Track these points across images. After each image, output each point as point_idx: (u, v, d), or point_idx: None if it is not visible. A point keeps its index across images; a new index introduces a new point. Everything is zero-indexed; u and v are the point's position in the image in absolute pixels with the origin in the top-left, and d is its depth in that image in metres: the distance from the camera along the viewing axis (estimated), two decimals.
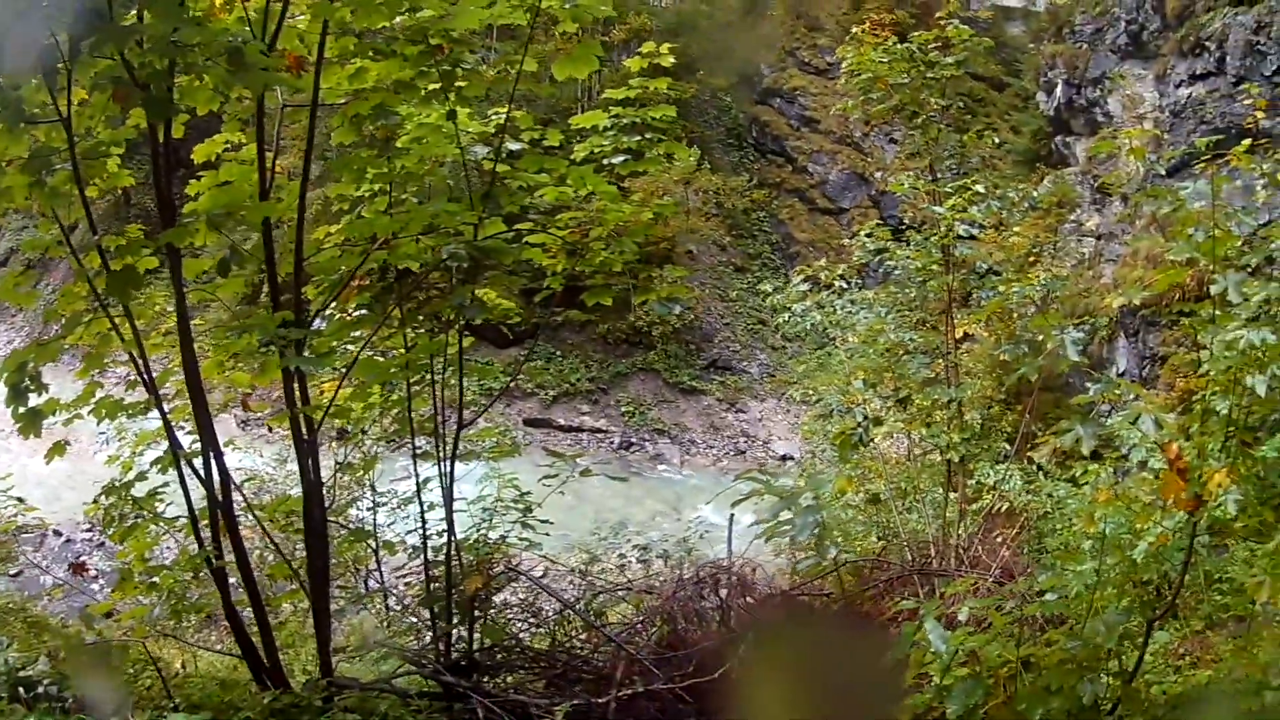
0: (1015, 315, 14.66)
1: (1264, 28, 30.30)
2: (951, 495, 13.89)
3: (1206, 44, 31.80)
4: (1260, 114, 20.86)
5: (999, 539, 13.50)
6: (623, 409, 44.49)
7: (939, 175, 15.21)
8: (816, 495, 7.07)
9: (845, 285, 16.25)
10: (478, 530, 10.36)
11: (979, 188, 13.77)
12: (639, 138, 8.79)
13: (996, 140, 19.66)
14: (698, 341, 47.52)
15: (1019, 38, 52.50)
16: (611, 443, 42.80)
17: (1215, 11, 32.19)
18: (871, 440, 13.42)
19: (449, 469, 9.09)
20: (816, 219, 52.77)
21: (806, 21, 57.69)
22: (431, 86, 7.99)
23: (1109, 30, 37.33)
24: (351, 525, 12.90)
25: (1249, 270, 7.30)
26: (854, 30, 16.16)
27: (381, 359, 9.17)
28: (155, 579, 9.15)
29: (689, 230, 47.48)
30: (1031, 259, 18.51)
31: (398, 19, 7.60)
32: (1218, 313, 6.98)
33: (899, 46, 14.76)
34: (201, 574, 9.05)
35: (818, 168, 53.60)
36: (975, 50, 15.32)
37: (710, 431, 44.49)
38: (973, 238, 14.95)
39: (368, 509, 14.03)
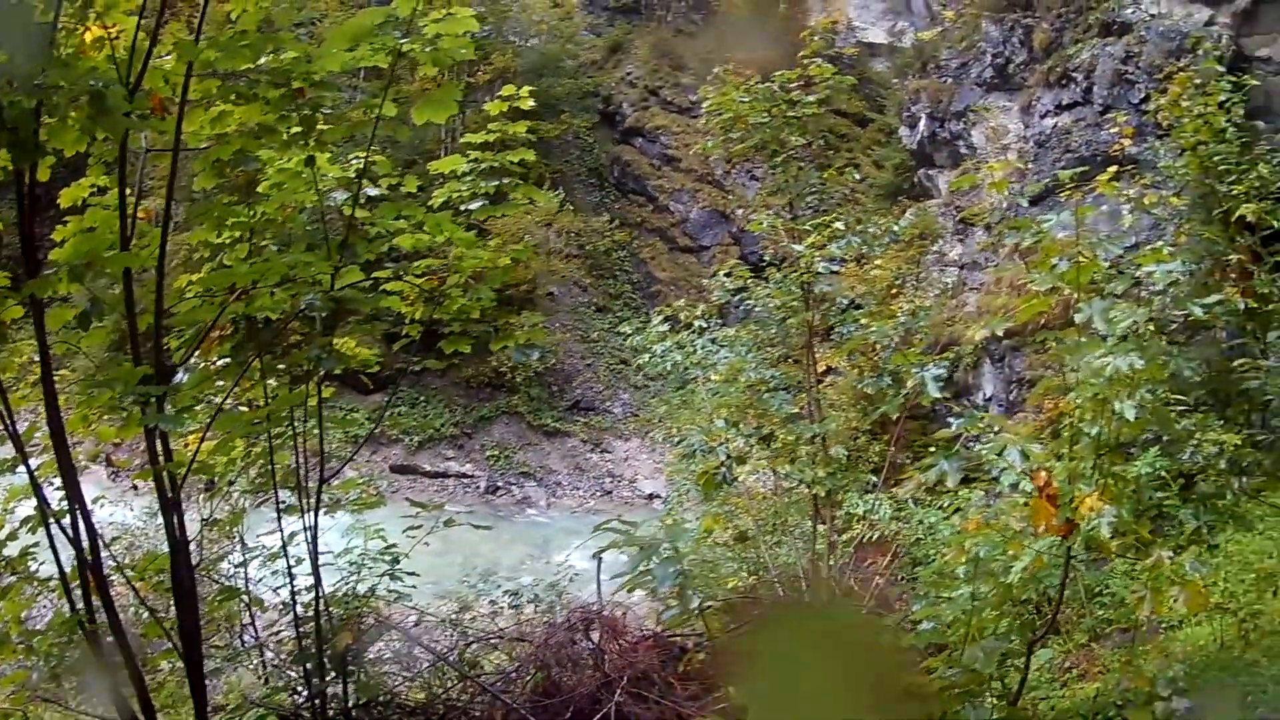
0: (878, 347, 14.75)
1: (1133, 57, 30.90)
2: (821, 528, 13.93)
3: (1074, 74, 32.34)
4: (1127, 141, 21.27)
5: (872, 567, 13.57)
6: (488, 453, 44.17)
7: (799, 213, 15.28)
8: (675, 546, 7.01)
9: (705, 325, 16.32)
10: (346, 584, 10.24)
11: (839, 224, 13.84)
12: (497, 183, 8.77)
13: (858, 176, 19.76)
14: (560, 383, 47.45)
15: (884, 74, 52.73)
16: (478, 487, 42.44)
17: (1084, 42, 32.82)
18: (735, 479, 13.42)
19: (313, 522, 8.97)
20: (678, 257, 52.74)
21: (671, 60, 57.86)
22: (293, 130, 7.90)
23: (975, 64, 37.62)
24: (222, 581, 12.69)
25: (1117, 295, 7.39)
26: (716, 70, 16.19)
27: (245, 410, 9.02)
28: (33, 642, 8.92)
29: (550, 271, 47.44)
30: (894, 291, 18.71)
31: (262, 60, 7.50)
32: (1083, 339, 7.05)
33: (760, 86, 14.83)
34: (78, 635, 8.84)
35: (679, 206, 53.61)
36: (838, 88, 15.43)
37: (576, 473, 44.35)
38: (834, 273, 15.00)
39: (238, 564, 13.83)
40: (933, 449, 7.63)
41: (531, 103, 9.10)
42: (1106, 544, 7.10)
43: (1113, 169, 14.19)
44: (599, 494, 43.06)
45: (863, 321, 14.54)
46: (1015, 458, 6.60)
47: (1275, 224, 14.46)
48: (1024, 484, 8.12)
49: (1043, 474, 6.77)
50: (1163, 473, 11.93)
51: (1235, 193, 14.50)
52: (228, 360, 8.73)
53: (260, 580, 12.45)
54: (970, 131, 36.88)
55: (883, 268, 17.70)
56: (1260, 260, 15.09)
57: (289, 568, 9.34)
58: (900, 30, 52.83)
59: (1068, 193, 15.67)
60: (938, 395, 7.62)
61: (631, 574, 6.95)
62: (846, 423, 16.87)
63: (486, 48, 50.66)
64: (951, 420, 7.94)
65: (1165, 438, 10.62)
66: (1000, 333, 8.39)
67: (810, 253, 13.30)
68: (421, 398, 44.60)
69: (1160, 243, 16.27)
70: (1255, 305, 13.57)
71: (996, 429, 7.91)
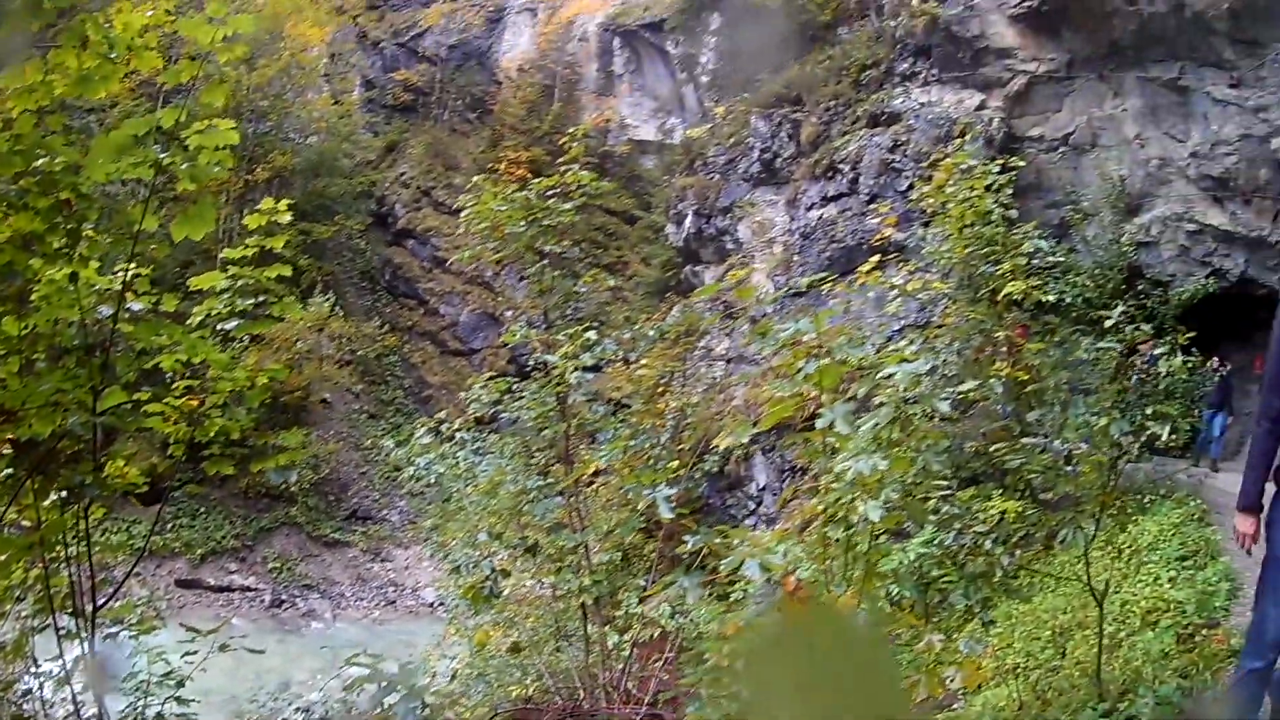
0: (650, 445, 14.72)
1: (900, 145, 31.68)
2: (599, 630, 13.85)
3: (840, 166, 33.06)
4: (890, 230, 21.70)
5: (655, 664, 13.53)
6: (270, 565, 43.38)
7: (554, 321, 15.23)
8: (412, 685, 6.92)
9: (465, 437, 16.22)
10: (134, 709, 9.97)
11: (591, 334, 13.80)
12: (253, 300, 8.65)
13: (611, 283, 19.79)
14: (336, 492, 46.96)
15: (654, 171, 53.36)
16: (263, 601, 41.55)
17: (851, 134, 33.56)
18: (503, 592, 13.30)
19: (91, 647, 8.71)
20: (449, 361, 52.81)
21: (445, 160, 57.91)
22: (59, 244, 7.69)
23: (742, 159, 38.47)
24: (15, 704, 12.27)
25: (866, 394, 7.45)
26: (475, 179, 16.11)
27: (21, 531, 8.75)
28: None
29: (323, 378, 46.98)
30: (661, 389, 18.75)
31: (37, 163, 7.30)
32: (830, 441, 7.11)
33: (518, 194, 14.80)
34: None
35: (449, 309, 53.80)
36: (594, 195, 15.45)
37: (359, 583, 43.90)
38: (598, 369, 14.98)
39: (24, 691, 13.40)
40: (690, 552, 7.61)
41: (289, 217, 8.99)
42: None
43: (875, 258, 14.40)
44: (383, 604, 42.73)
45: (632, 421, 14.53)
46: (754, 572, 6.59)
47: (1041, 298, 14.83)
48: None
49: (791, 579, 6.77)
50: (937, 551, 12.12)
51: (1000, 272, 14.87)
52: None
53: (53, 706, 12.11)
54: (737, 226, 37.45)
55: (649, 366, 17.74)
56: (1029, 333, 15.47)
57: (74, 696, 9.08)
58: (670, 127, 53.51)
59: (829, 285, 15.89)
60: (670, 515, 7.61)
61: (372, 712, 6.85)
62: (618, 522, 16.85)
63: (266, 145, 50.26)
64: (731, 511, 7.94)
65: (943, 513, 10.74)
66: (745, 440, 8.36)
67: (564, 363, 13.27)
68: (202, 509, 43.67)
69: (929, 323, 16.71)
70: (1026, 378, 13.88)
71: (739, 541, 7.89)
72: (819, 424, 6.95)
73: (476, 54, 62.59)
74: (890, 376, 7.20)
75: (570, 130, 16.60)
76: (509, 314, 46.61)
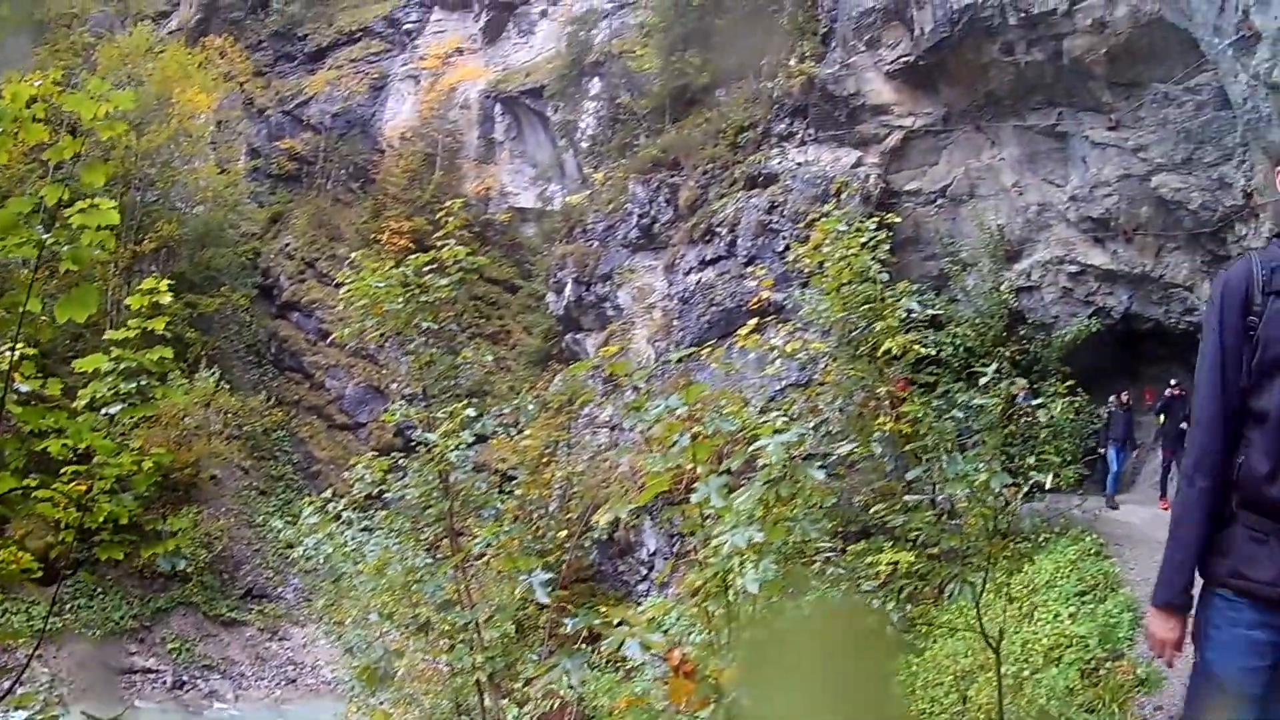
0: (538, 515, 14.68)
1: (778, 206, 31.79)
2: (497, 705, 13.73)
3: (718, 229, 33.13)
4: (766, 293, 21.75)
5: None
6: (169, 645, 42.38)
7: (434, 398, 15.11)
8: None
9: (351, 516, 16.02)
10: None
11: (470, 411, 13.68)
12: (136, 383, 8.54)
13: (490, 358, 19.71)
14: (230, 570, 46.11)
15: (534, 239, 53.25)
16: (165, 682, 40.60)
17: (729, 196, 33.68)
18: (396, 673, 13.16)
19: None
20: (336, 435, 52.57)
21: (328, 231, 57.54)
22: None
23: (621, 225, 38.51)
24: None
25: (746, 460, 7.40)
26: (354, 255, 15.99)
27: None
28: None
29: (212, 454, 46.20)
30: (546, 459, 18.69)
31: None
32: (708, 512, 7.05)
33: (395, 271, 14.68)
34: None
35: (334, 383, 53.58)
36: (470, 271, 15.35)
37: (258, 663, 43.08)
38: (484, 440, 14.89)
39: None
40: (604, 604, 7.58)
41: (169, 298, 8.88)
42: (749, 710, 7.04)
43: (753, 322, 14.42)
44: (284, 683, 42.13)
45: (519, 493, 14.48)
46: (634, 651, 6.53)
47: (921, 351, 14.92)
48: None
49: (675, 653, 6.71)
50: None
51: (879, 328, 14.97)
52: None
53: None
54: (617, 293, 37.37)
55: (534, 436, 17.68)
56: (911, 387, 15.54)
57: None
58: (550, 195, 53.52)
59: (708, 350, 15.86)
60: (546, 600, 7.56)
61: None
62: (511, 597, 16.69)
63: (153, 214, 49.67)
64: (624, 577, 7.88)
65: (829, 574, 10.74)
66: (624, 515, 8.32)
67: (443, 442, 13.18)
68: (99, 590, 42.73)
69: (812, 381, 16.74)
70: (909, 431, 13.95)
71: (617, 621, 7.82)
72: (693, 498, 6.86)
73: (360, 122, 62.65)
74: (762, 448, 7.12)
75: (447, 203, 16.55)
76: (394, 387, 46.27)
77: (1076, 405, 23.94)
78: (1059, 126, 29.99)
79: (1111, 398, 27.53)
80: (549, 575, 7.63)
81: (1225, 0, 22.60)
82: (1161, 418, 27.07)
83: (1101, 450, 27.40)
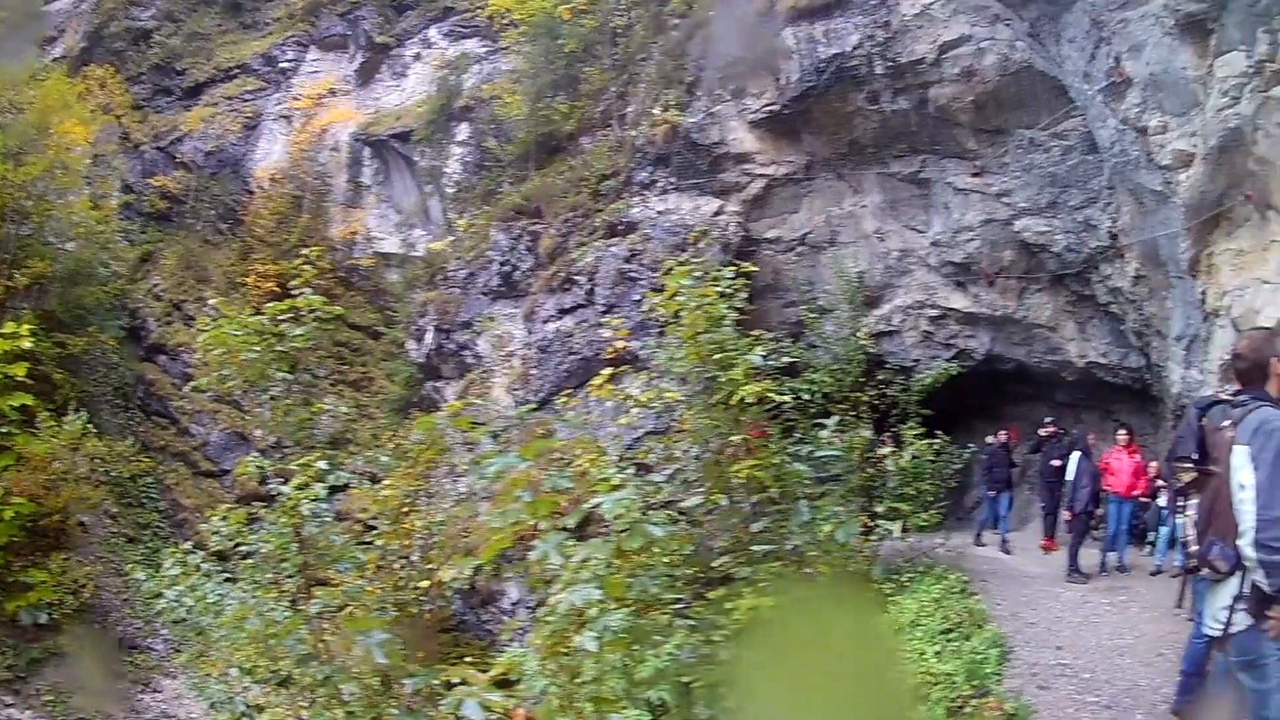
0: (399, 566, 14.61)
1: (636, 255, 31.85)
2: None
3: (577, 277, 33.12)
4: (621, 343, 21.82)
5: None
6: (45, 698, 41.40)
7: (290, 448, 15.01)
8: None
9: (210, 568, 15.87)
10: None
11: (321, 464, 13.60)
12: None
13: (344, 409, 19.66)
14: (99, 620, 44.71)
15: (398, 285, 52.64)
16: None
17: (588, 245, 33.71)
18: None
19: None
20: (201, 483, 51.28)
21: (196, 273, 56.50)
22: None
23: (482, 273, 38.27)
24: None
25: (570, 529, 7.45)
26: (212, 301, 15.89)
27: None
28: None
29: (80, 499, 45.13)
30: (405, 508, 18.60)
31: None
32: (551, 567, 7.10)
33: (253, 319, 14.60)
34: None
35: (200, 428, 52.34)
36: (326, 320, 15.28)
37: (132, 716, 41.93)
38: (344, 489, 14.83)
39: None
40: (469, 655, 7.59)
41: (29, 343, 8.84)
42: None
43: (607, 372, 14.51)
44: None
45: (379, 543, 14.41)
46: (473, 712, 6.58)
47: (776, 399, 15.06)
48: None
49: (520, 712, 6.78)
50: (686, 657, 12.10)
51: (733, 376, 15.08)
52: None
53: None
54: (476, 341, 37.23)
55: (393, 486, 17.59)
56: (767, 433, 15.66)
57: None
58: (414, 240, 52.97)
59: (563, 399, 15.95)
60: (383, 661, 7.59)
61: None
62: (336, 668, 16.52)
63: (26, 249, 48.72)
64: (487, 626, 7.89)
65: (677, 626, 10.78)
66: (469, 572, 8.37)
67: (296, 495, 13.07)
68: None
69: (670, 429, 16.82)
70: (764, 478, 14.05)
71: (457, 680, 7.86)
72: (532, 555, 6.92)
73: (232, 161, 60.77)
74: (598, 506, 7.20)
75: (305, 250, 16.48)
76: (258, 433, 45.31)
77: (936, 447, 24.23)
78: (922, 173, 30.53)
79: (989, 438, 27.61)
80: (384, 636, 7.65)
81: (1096, 48, 23.12)
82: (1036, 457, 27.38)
83: (990, 493, 27.44)
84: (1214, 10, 19.76)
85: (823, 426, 11.88)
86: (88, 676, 42.93)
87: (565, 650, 7.08)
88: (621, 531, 7.34)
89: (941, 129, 29.38)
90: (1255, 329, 8.59)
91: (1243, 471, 6.96)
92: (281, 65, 63.20)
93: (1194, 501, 7.45)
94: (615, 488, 7.43)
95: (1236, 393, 7.80)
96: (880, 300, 31.65)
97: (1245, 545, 6.87)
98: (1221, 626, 7.34)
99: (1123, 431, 23.83)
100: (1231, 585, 7.15)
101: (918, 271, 31.43)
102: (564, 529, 7.05)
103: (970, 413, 33.28)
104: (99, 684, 43.14)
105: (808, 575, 11.03)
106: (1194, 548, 7.32)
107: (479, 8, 55.29)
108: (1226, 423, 7.47)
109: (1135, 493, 23.38)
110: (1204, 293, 21.12)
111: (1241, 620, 7.19)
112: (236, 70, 63.35)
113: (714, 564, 11.76)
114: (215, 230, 58.67)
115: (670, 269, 14.09)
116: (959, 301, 31.24)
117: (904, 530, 14.75)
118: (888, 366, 27.79)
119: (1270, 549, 6.82)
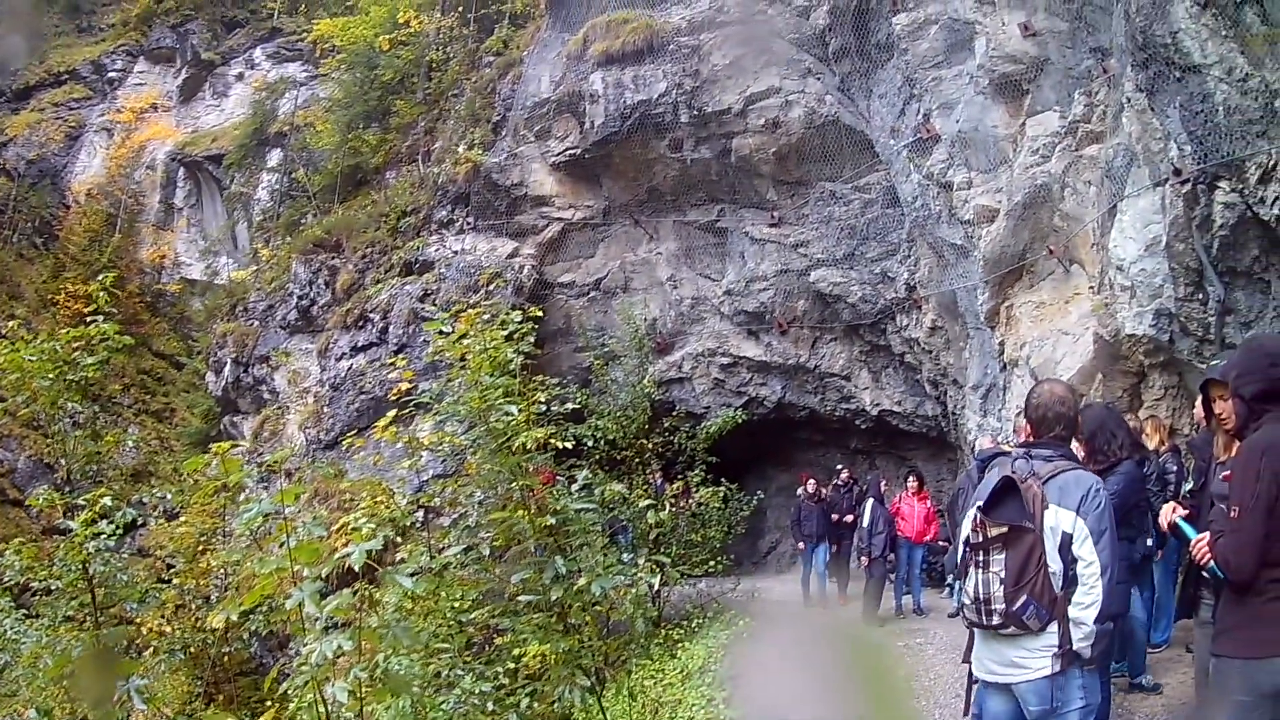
0: (196, 606, 14.56)
1: (430, 294, 31.56)
2: None
3: (371, 315, 32.93)
4: (406, 384, 21.73)
5: None
6: None
7: (79, 483, 14.88)
8: None
9: (7, 604, 15.63)
10: None
11: (107, 500, 13.51)
12: None
13: (132, 442, 19.53)
14: None
15: (200, 313, 51.52)
16: None
17: (384, 282, 33.58)
18: None
19: None
20: (9, 512, 49.36)
21: (9, 289, 54.80)
22: None
23: (281, 306, 37.91)
24: None
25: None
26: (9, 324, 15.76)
27: None
28: None
29: None
30: (202, 547, 18.43)
31: None
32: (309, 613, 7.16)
33: (46, 345, 14.44)
34: None
35: (5, 454, 50.49)
36: (117, 350, 15.17)
37: None
38: (143, 525, 14.78)
39: None
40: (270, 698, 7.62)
41: None
42: None
43: (391, 414, 14.59)
44: None
45: (175, 582, 14.32)
46: None
47: (560, 444, 15.20)
48: None
49: None
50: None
51: (517, 422, 15.19)
52: None
53: None
54: (274, 376, 36.81)
55: (190, 524, 17.46)
56: (553, 478, 15.83)
57: None
58: (219, 268, 52.22)
59: (348, 440, 15.98)
60: (144, 707, 7.67)
61: None
62: (178, 686, 16.39)
63: None
64: (285, 671, 7.94)
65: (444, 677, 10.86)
66: (235, 618, 8.45)
67: (83, 532, 12.93)
68: None
69: (458, 472, 16.93)
70: (548, 523, 14.20)
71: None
72: (288, 604, 6.98)
73: (52, 172, 59.14)
74: (346, 556, 7.27)
75: (100, 278, 16.30)
76: (62, 461, 44.18)
77: (723, 494, 24.41)
78: (719, 222, 31.02)
79: (800, 490, 27.18)
80: (143, 681, 7.75)
81: (907, 104, 23.78)
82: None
83: (804, 546, 26.93)
84: (1030, 72, 20.57)
85: (623, 464, 12.07)
86: None
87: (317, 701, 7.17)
88: (371, 584, 7.48)
89: (742, 179, 29.84)
90: (1053, 380, 8.66)
91: (1083, 546, 7.01)
92: (110, 75, 61.83)
93: (999, 557, 7.16)
94: (367, 537, 7.56)
95: (1028, 444, 7.71)
96: (672, 347, 31.81)
97: (1087, 617, 6.94)
98: (1016, 674, 7.34)
99: (912, 479, 24.03)
100: (1037, 639, 7.16)
101: (710, 319, 31.67)
102: (318, 578, 7.14)
103: (763, 458, 33.66)
104: None
105: (571, 626, 11.16)
106: (1001, 605, 7.17)
107: (305, 32, 54.78)
108: (1031, 478, 7.30)
109: (926, 538, 23.66)
110: (1002, 343, 21.81)
111: (1045, 667, 7.24)
112: (66, 76, 61.56)
113: (473, 616, 11.86)
114: (31, 244, 56.82)
115: (459, 311, 14.15)
116: (751, 350, 31.52)
117: (678, 570, 15.00)
118: (676, 413, 27.76)
119: (1104, 623, 7.03)
